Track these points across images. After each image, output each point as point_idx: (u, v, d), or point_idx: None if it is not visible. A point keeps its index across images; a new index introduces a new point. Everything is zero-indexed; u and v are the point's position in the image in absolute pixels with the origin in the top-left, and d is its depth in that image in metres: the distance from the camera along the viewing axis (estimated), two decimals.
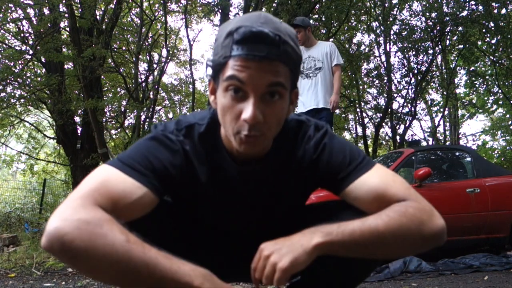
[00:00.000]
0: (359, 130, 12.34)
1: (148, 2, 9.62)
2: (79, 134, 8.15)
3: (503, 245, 4.04)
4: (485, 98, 13.07)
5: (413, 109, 10.05)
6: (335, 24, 8.80)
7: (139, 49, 8.12)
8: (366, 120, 11.87)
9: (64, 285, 2.98)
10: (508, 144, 14.04)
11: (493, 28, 8.76)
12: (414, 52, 9.39)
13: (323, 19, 8.02)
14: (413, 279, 3.06)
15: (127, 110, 8.93)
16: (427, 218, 0.84)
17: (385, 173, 0.93)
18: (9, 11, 7.14)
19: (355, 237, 0.81)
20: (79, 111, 7.73)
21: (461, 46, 9.60)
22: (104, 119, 8.21)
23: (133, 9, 9.70)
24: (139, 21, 8.84)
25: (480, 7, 8.58)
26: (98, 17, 8.00)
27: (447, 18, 8.54)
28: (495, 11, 8.63)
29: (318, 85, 3.65)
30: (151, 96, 8.43)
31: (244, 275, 0.94)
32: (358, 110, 11.81)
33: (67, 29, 7.38)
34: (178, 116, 1.12)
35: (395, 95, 10.19)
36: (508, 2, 8.54)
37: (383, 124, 10.96)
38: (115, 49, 9.23)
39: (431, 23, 9.06)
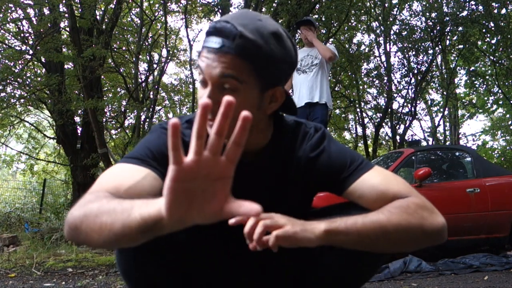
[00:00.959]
0: (359, 130, 12.34)
1: (148, 2, 9.62)
2: (79, 134, 8.15)
3: (503, 245, 4.04)
4: (485, 98, 13.07)
5: (413, 109, 10.05)
6: (335, 24, 8.79)
7: (139, 49, 8.12)
8: (366, 120, 11.87)
9: (64, 285, 2.98)
10: (508, 144, 14.04)
11: (493, 28, 8.76)
12: (414, 52, 9.38)
13: (323, 19, 8.02)
14: (413, 279, 3.06)
15: (127, 110, 8.92)
16: (428, 214, 0.86)
17: (385, 172, 0.96)
18: (9, 11, 7.14)
19: (357, 227, 0.83)
20: (79, 111, 7.73)
21: (461, 46, 9.60)
22: (104, 119, 8.19)
23: (133, 9, 9.70)
24: (139, 21, 8.83)
25: (480, 7, 8.59)
26: (98, 17, 7.99)
27: (447, 18, 8.53)
28: (495, 11, 8.63)
29: (313, 80, 3.65)
30: (151, 96, 8.43)
31: (241, 276, 0.95)
32: (358, 110, 11.79)
33: (67, 29, 7.38)
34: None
35: (395, 95, 10.19)
36: (508, 2, 8.54)
37: (383, 124, 10.95)
38: (115, 49, 9.23)
39: (431, 23, 9.06)
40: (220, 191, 0.57)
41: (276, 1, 7.53)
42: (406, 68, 9.69)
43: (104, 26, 7.79)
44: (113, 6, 8.05)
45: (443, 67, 11.57)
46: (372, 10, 10.12)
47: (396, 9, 9.99)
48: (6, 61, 7.09)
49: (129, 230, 0.64)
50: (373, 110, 11.42)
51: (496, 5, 8.65)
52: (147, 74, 9.12)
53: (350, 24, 9.74)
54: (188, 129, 0.96)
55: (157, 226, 0.61)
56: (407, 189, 0.91)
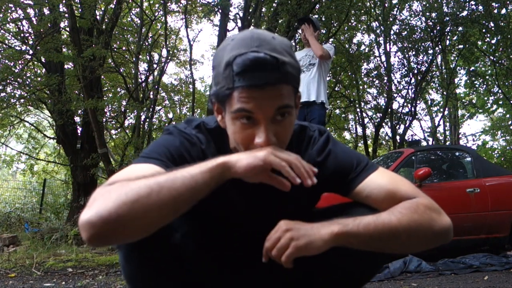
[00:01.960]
0: (359, 130, 12.33)
1: (148, 2, 9.62)
2: (79, 134, 8.14)
3: (503, 245, 4.05)
4: (485, 98, 13.07)
5: (413, 109, 10.05)
6: (335, 24, 8.79)
7: (139, 49, 8.12)
8: (366, 120, 11.86)
9: (64, 285, 2.98)
10: (508, 144, 14.04)
11: (493, 28, 8.75)
12: (414, 52, 9.39)
13: (323, 19, 8.00)
14: (413, 279, 3.06)
15: (127, 110, 8.92)
16: (436, 215, 0.88)
17: (391, 173, 0.99)
18: (9, 11, 7.14)
19: (369, 230, 0.83)
20: (79, 111, 7.72)
21: (461, 46, 9.60)
22: (104, 119, 8.20)
23: (133, 9, 9.69)
24: (139, 21, 8.82)
25: (480, 7, 8.59)
26: (98, 17, 7.99)
27: (447, 18, 8.54)
28: (495, 11, 8.63)
29: (310, 79, 3.63)
30: (151, 96, 8.42)
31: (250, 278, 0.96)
32: (358, 110, 11.79)
33: (67, 29, 7.37)
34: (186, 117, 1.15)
35: (395, 95, 10.20)
36: (508, 2, 8.54)
37: (383, 124, 10.95)
38: (115, 49, 9.22)
39: (431, 23, 9.06)
40: None
41: (276, 1, 7.53)
42: (406, 68, 9.69)
43: (104, 26, 7.79)
44: (113, 6, 8.05)
45: (443, 67, 11.57)
46: (372, 10, 10.12)
47: (396, 9, 9.99)
48: (6, 61, 7.10)
49: (195, 183, 0.73)
50: (373, 110, 11.43)
51: (496, 5, 8.65)
52: (147, 74, 9.12)
53: (350, 24, 9.73)
54: (200, 133, 0.96)
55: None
56: (414, 190, 0.93)
